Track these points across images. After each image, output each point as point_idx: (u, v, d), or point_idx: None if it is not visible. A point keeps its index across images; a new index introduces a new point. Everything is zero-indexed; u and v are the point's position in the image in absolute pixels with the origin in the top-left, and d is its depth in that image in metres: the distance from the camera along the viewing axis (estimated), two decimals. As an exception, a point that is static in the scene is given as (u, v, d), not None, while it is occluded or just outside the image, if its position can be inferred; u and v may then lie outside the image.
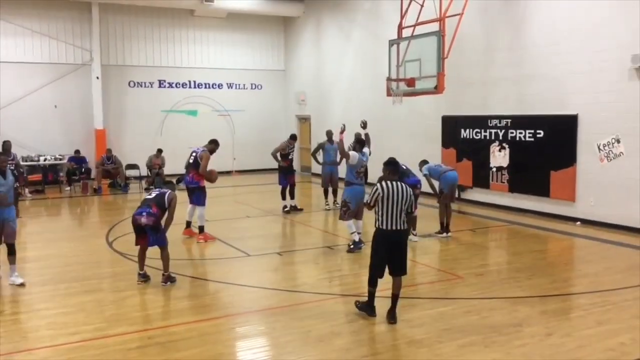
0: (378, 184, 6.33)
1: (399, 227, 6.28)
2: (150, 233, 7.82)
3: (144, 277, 8.03)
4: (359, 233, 9.87)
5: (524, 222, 12.28)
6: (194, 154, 10.59)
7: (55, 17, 19.38)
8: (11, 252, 7.94)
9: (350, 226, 9.84)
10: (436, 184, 11.03)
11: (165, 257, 7.92)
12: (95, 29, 19.66)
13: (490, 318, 6.52)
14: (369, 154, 10.37)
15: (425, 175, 11.01)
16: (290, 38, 23.08)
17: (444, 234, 10.86)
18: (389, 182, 6.33)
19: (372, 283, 6.43)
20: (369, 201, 6.40)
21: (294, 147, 13.91)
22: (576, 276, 8.75)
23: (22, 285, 7.86)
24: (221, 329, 6.40)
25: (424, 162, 11.29)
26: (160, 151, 18.54)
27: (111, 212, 15.00)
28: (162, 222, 7.96)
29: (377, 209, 6.33)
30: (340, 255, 9.73)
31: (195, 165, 10.44)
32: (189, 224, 10.91)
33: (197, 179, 10.48)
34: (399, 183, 6.34)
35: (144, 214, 7.79)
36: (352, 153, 9.70)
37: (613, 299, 7.19)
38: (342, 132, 9.69)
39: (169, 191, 8.13)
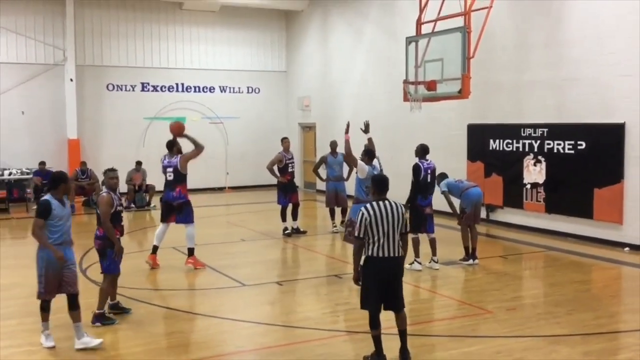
0: (362, 208, 6.26)
1: (394, 254, 6.21)
2: (100, 259, 7.85)
3: (117, 309, 8.02)
4: None
5: (564, 248, 12.22)
6: (170, 169, 10.66)
7: (23, 11, 19.58)
8: (74, 305, 7.00)
9: None
10: (456, 202, 11.03)
11: (101, 290, 7.80)
12: (70, 25, 19.85)
13: (524, 360, 6.49)
14: (380, 166, 10.35)
15: (443, 192, 11.02)
16: (293, 35, 23.24)
17: (470, 261, 10.83)
18: (374, 203, 6.23)
19: (375, 325, 6.27)
20: (356, 232, 6.22)
21: (292, 158, 13.88)
22: (624, 311, 8.66)
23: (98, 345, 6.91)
24: (210, 371, 6.39)
25: (442, 177, 11.29)
26: (139, 164, 18.63)
27: (85, 234, 14.89)
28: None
29: (367, 236, 6.20)
30: (348, 285, 9.69)
31: (178, 179, 10.50)
32: (155, 248, 10.73)
33: (183, 192, 10.58)
34: (387, 202, 6.26)
35: (95, 237, 7.81)
36: (360, 163, 9.71)
37: (667, 338, 7.15)
38: (347, 131, 9.68)
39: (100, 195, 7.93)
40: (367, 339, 6.98)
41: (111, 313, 7.96)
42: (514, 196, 14.14)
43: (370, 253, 6.22)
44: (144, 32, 21.34)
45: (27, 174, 18.71)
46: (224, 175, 22.12)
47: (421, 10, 13.83)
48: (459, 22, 12.58)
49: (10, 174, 18.67)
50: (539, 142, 13.52)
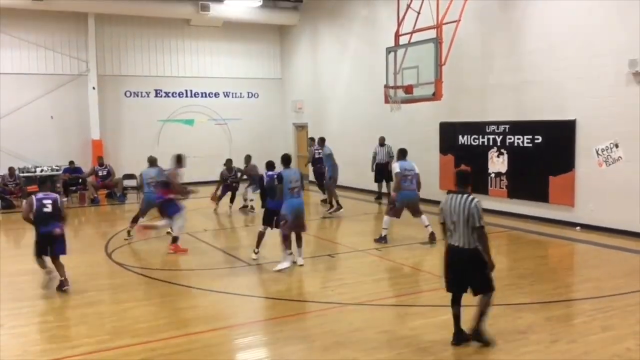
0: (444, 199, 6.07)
1: (459, 244, 5.84)
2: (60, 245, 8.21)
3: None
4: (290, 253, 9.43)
5: (524, 228, 12.27)
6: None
7: (51, 29, 19.35)
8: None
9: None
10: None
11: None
12: (91, 40, 19.64)
13: (494, 325, 6.47)
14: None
15: (396, 173, 10.80)
16: (287, 46, 23.12)
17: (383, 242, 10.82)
18: (450, 195, 6.01)
19: (452, 303, 6.03)
20: (440, 219, 6.09)
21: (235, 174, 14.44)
22: (579, 281, 8.74)
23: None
24: (224, 340, 6.37)
25: (403, 153, 11.09)
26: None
27: (109, 222, 14.94)
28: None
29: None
30: (340, 263, 9.70)
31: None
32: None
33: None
34: (459, 196, 5.87)
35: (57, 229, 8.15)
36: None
37: (616, 304, 7.19)
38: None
39: (56, 195, 8.47)
40: (358, 310, 7.04)
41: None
42: (480, 184, 14.12)
43: (447, 240, 6.04)
44: (157, 45, 21.15)
45: (57, 170, 18.55)
46: (229, 170, 21.96)
47: (399, 24, 13.78)
48: (432, 34, 12.54)
49: (41, 170, 18.50)
50: (501, 137, 13.54)
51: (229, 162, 15.46)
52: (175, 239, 10.51)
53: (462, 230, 5.80)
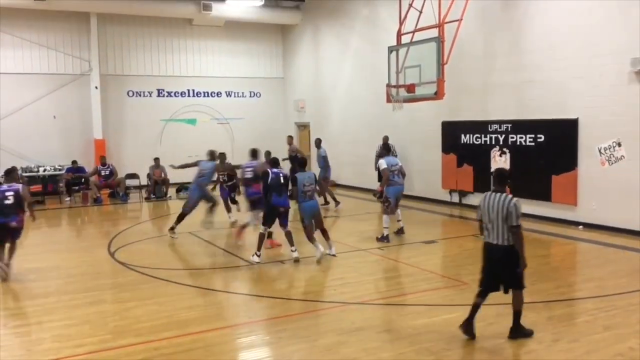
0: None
1: (496, 242, 5.90)
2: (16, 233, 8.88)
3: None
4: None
5: (526, 227, 11.89)
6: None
7: (53, 28, 19.39)
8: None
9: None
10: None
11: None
12: (94, 39, 19.66)
13: (496, 325, 6.47)
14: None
15: (383, 170, 11.02)
16: (289, 46, 23.11)
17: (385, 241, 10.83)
18: (487, 194, 6.05)
19: (478, 295, 6.08)
20: (477, 216, 6.15)
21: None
22: (581, 281, 8.72)
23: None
24: (227, 340, 6.36)
25: (387, 148, 11.57)
26: (157, 160, 18.51)
27: (112, 222, 14.95)
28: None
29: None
30: (341, 262, 9.69)
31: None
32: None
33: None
34: (497, 195, 5.93)
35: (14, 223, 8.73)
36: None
37: (619, 303, 7.17)
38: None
39: (19, 186, 8.93)
40: (359, 309, 7.04)
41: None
42: (483, 183, 14.10)
43: (484, 239, 6.09)
44: (159, 45, 21.16)
45: (60, 170, 18.56)
46: (231, 169, 22.00)
47: (401, 23, 13.77)
48: (434, 33, 12.53)
49: (44, 170, 18.52)
50: (503, 136, 13.52)
51: (222, 156, 14.28)
52: (245, 226, 11.04)
53: (500, 228, 5.87)
